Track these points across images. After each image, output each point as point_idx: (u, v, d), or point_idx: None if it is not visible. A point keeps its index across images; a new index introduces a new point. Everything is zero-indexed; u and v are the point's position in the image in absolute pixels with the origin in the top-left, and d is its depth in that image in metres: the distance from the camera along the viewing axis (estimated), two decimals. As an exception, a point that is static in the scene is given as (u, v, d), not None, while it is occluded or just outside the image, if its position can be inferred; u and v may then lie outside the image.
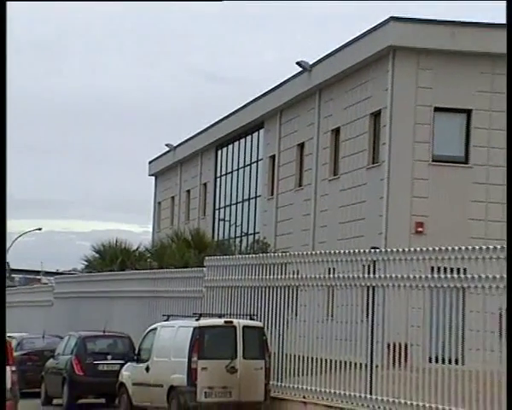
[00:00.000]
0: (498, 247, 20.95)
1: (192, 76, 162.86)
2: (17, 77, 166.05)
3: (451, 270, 21.49)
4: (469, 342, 20.91)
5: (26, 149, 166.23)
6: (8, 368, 21.17)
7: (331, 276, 25.48)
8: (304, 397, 24.85)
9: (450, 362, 21.11)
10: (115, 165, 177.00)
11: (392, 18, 35.73)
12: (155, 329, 27.23)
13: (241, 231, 50.36)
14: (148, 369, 26.39)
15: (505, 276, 19.95)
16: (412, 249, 23.63)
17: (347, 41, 38.59)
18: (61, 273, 60.15)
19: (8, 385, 18.91)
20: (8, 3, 15.00)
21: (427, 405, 21.03)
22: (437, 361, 21.49)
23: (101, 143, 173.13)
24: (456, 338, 21.18)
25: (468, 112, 36.18)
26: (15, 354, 28.07)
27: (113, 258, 47.49)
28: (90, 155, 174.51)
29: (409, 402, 21.54)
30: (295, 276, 26.74)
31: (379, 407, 22.41)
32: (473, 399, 20.02)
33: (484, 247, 21.23)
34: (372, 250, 25.69)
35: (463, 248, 21.51)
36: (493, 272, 20.21)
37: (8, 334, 31.24)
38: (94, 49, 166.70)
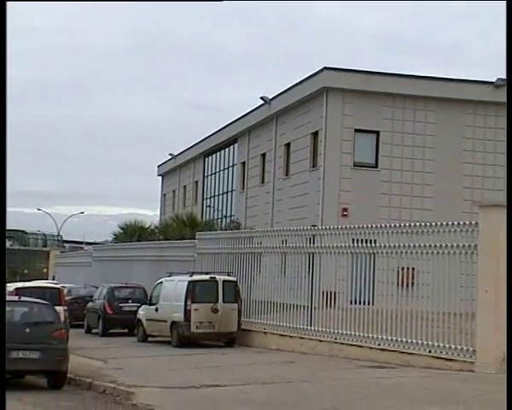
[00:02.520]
0: (397, 224, 21.43)
1: (187, 106, 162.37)
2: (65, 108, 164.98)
3: (366, 241, 21.69)
4: (377, 290, 21.29)
5: (78, 158, 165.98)
6: (61, 308, 21.34)
7: (284, 245, 25.56)
8: (264, 329, 24.93)
9: (364, 303, 21.44)
10: (136, 169, 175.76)
11: (326, 68, 35.69)
12: (161, 282, 27.41)
13: (222, 214, 50.28)
14: (157, 309, 26.67)
15: (402, 244, 20.38)
16: (339, 227, 23.93)
17: (295, 82, 38.49)
18: (97, 243, 60.03)
19: (62, 319, 19.05)
20: (7, 4, 13.37)
21: (348, 332, 21.34)
22: (356, 303, 21.73)
23: (126, 155, 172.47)
24: (368, 287, 21.54)
25: (377, 132, 36.07)
26: (66, 298, 28.28)
27: (132, 233, 47.37)
28: (118, 163, 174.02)
29: (336, 331, 21.80)
30: (259, 245, 26.77)
31: (315, 335, 22.62)
32: (378, 327, 20.39)
33: (388, 225, 21.64)
34: (312, 227, 26.06)
35: (374, 225, 21.97)
36: (393, 242, 20.56)
37: (61, 284, 31.54)
38: (121, 86, 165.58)
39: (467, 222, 18.61)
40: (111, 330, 30.39)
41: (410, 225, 20.80)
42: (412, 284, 20.24)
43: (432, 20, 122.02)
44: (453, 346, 18.20)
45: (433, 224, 19.71)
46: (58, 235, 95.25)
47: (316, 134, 36.93)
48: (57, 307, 19.23)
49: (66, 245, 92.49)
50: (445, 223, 19.24)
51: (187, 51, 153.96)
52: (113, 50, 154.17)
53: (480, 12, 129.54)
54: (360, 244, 21.83)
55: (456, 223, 18.89)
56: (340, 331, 21.64)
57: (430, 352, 18.68)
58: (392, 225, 21.48)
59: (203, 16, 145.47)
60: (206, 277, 25.80)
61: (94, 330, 31.33)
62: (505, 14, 8.88)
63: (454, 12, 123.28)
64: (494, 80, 36.54)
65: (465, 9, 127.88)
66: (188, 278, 25.76)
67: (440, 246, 18.94)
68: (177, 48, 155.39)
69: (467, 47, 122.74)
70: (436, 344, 18.60)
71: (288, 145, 40.26)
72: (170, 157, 63.73)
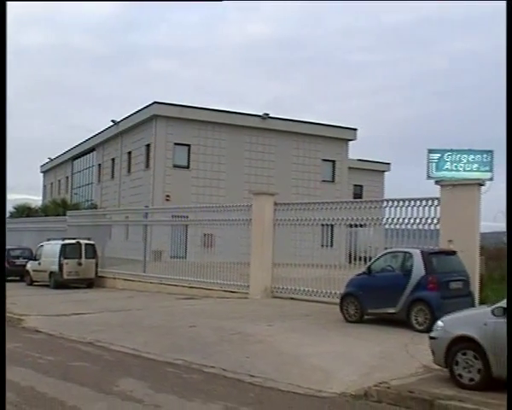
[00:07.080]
0: (202, 205, 21.73)
1: (67, 127, 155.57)
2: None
3: (181, 216, 21.92)
4: (189, 249, 21.49)
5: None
6: None
7: (127, 219, 25.51)
8: (113, 275, 24.63)
9: (180, 258, 21.60)
10: (27, 168, 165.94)
11: (155, 102, 35.49)
12: (43, 245, 26.32)
13: (85, 199, 48.85)
14: (40, 264, 25.60)
15: (205, 219, 20.66)
16: (164, 207, 24.12)
17: (135, 111, 38.03)
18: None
19: None
20: (7, 3, 9.95)
21: (169, 276, 21.47)
22: (174, 258, 21.85)
23: (21, 159, 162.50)
24: (183, 247, 21.72)
25: (189, 145, 36.17)
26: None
27: (22, 212, 45.47)
28: (15, 164, 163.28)
29: (161, 275, 21.88)
30: (110, 219, 26.48)
31: (148, 279, 22.57)
32: (189, 272, 20.69)
33: (196, 206, 21.94)
34: (146, 207, 26.00)
35: (187, 206, 22.24)
36: (199, 217, 20.87)
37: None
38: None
39: (245, 204, 19.33)
40: (8, 278, 28.78)
41: (210, 206, 21.28)
42: (211, 244, 20.73)
43: (227, 76, 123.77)
44: (236, 283, 18.87)
45: (225, 205, 20.31)
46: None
47: (148, 146, 36.62)
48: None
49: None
50: (232, 205, 19.88)
51: (70, 90, 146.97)
52: (18, 89, 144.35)
53: (256, 71, 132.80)
54: (177, 219, 22.03)
55: (239, 205, 19.58)
56: (164, 276, 21.75)
57: (221, 287, 19.25)
58: (199, 206, 21.89)
59: (80, 66, 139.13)
60: (74, 241, 25.09)
61: (-4, 278, 29.50)
62: (505, 15, 7.94)
63: (236, 70, 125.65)
64: (261, 114, 38.25)
65: (246, 67, 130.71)
66: (61, 242, 25.02)
67: (229, 220, 19.54)
68: (64, 88, 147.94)
69: (247, 93, 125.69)
70: (225, 282, 19.21)
71: (129, 153, 39.68)
72: (49, 160, 60.97)
